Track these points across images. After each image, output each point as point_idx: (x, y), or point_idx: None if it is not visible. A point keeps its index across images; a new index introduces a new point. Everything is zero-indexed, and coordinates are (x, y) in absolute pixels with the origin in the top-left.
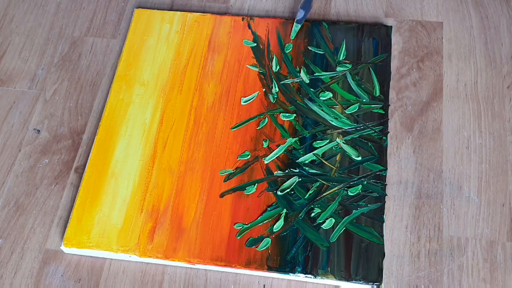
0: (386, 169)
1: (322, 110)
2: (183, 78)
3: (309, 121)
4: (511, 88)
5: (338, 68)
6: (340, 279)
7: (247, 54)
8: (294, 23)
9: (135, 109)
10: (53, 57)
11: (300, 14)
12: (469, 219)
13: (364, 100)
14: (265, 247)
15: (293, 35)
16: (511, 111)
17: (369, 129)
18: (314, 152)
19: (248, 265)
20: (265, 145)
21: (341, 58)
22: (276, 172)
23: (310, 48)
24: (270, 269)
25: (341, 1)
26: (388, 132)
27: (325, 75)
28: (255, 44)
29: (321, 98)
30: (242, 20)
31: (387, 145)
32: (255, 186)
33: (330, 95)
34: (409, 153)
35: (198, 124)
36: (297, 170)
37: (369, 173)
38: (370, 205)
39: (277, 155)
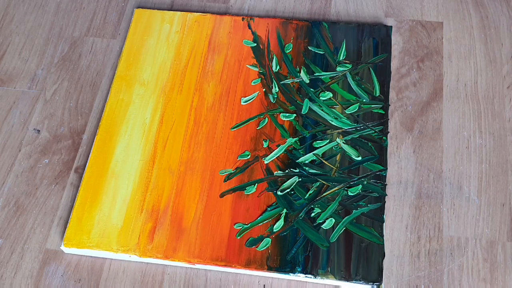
0: (386, 169)
1: (322, 110)
2: (183, 78)
3: (309, 121)
4: (511, 88)
5: (338, 68)
6: (340, 279)
7: (247, 54)
8: None
9: (135, 109)
10: (53, 57)
11: None
12: (469, 219)
13: (364, 100)
14: (265, 247)
15: None
16: (511, 111)
17: (369, 129)
18: (314, 152)
19: (248, 265)
20: (265, 145)
21: (341, 58)
22: (276, 172)
23: (310, 48)
24: (270, 269)
25: (341, 1)
26: (388, 132)
27: (325, 75)
28: (255, 44)
29: (321, 98)
30: (242, 20)
31: (387, 145)
32: (255, 186)
33: (330, 95)
34: (409, 153)
35: (198, 124)
36: (297, 170)
37: (369, 173)
38: (370, 205)
39: (277, 155)
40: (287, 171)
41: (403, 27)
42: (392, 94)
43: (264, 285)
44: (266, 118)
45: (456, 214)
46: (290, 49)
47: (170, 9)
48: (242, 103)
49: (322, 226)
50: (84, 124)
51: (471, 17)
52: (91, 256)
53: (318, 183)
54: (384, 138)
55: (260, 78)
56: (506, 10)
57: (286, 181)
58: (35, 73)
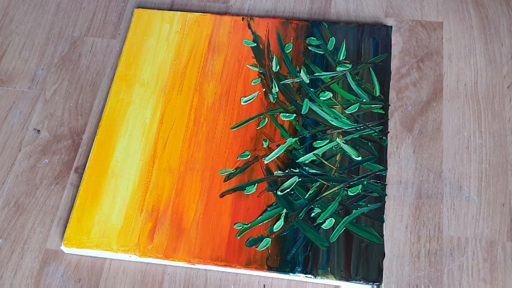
0: (386, 169)
1: (322, 110)
2: (183, 78)
3: (309, 121)
4: (511, 88)
5: (338, 68)
6: (340, 279)
7: (247, 54)
8: None
9: (135, 109)
10: (53, 57)
11: None
12: (469, 219)
13: (364, 100)
14: (265, 247)
15: None
16: (511, 111)
17: (369, 129)
18: (314, 152)
19: (248, 265)
20: (265, 145)
21: (341, 58)
22: (276, 172)
23: (310, 48)
24: (270, 269)
25: (341, 1)
26: (388, 132)
27: (325, 75)
28: (255, 44)
29: (321, 98)
30: (242, 20)
31: (387, 145)
32: (255, 186)
33: (330, 95)
34: (409, 153)
35: (198, 124)
36: (297, 170)
37: (369, 173)
38: (370, 205)
39: (277, 155)
40: (287, 171)
41: (403, 27)
42: (392, 94)
43: (264, 285)
44: (266, 118)
45: (456, 214)
46: (290, 49)
47: (170, 9)
48: (242, 103)
49: (322, 226)
50: (84, 124)
51: (471, 17)
52: (91, 256)
53: (318, 183)
54: (384, 138)
55: (260, 78)
56: (506, 10)
57: (286, 181)
58: (35, 73)
